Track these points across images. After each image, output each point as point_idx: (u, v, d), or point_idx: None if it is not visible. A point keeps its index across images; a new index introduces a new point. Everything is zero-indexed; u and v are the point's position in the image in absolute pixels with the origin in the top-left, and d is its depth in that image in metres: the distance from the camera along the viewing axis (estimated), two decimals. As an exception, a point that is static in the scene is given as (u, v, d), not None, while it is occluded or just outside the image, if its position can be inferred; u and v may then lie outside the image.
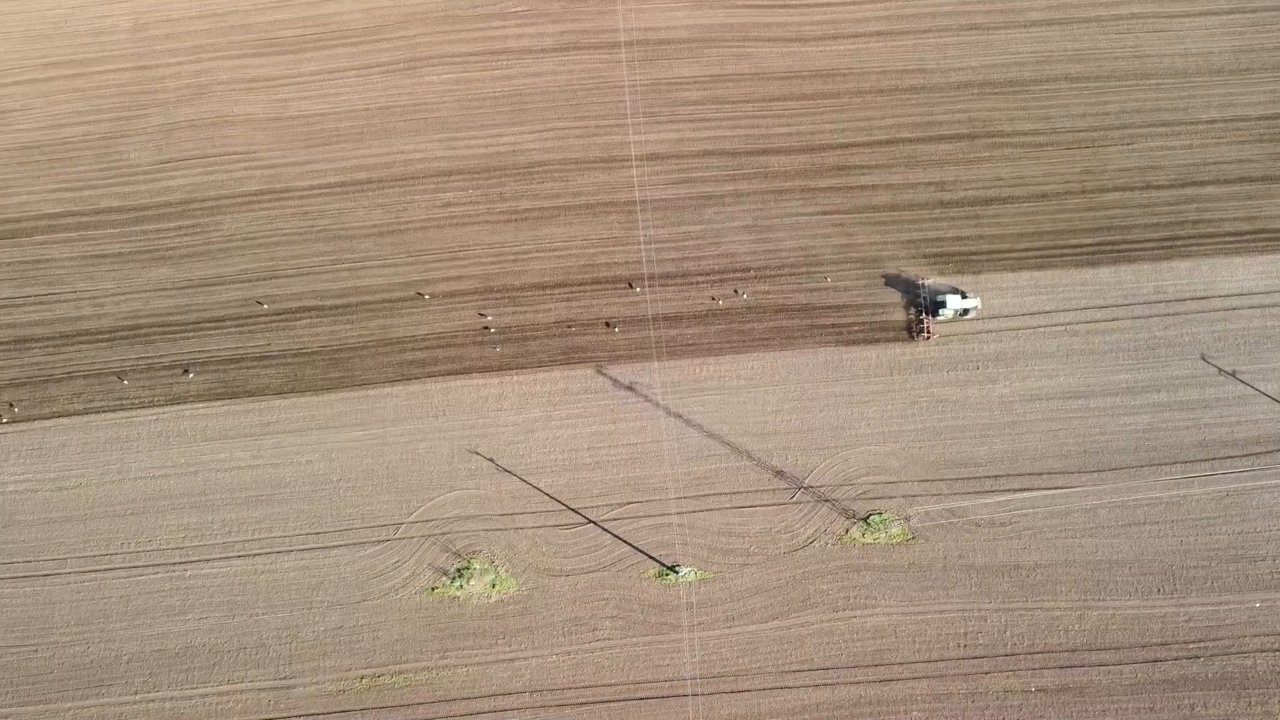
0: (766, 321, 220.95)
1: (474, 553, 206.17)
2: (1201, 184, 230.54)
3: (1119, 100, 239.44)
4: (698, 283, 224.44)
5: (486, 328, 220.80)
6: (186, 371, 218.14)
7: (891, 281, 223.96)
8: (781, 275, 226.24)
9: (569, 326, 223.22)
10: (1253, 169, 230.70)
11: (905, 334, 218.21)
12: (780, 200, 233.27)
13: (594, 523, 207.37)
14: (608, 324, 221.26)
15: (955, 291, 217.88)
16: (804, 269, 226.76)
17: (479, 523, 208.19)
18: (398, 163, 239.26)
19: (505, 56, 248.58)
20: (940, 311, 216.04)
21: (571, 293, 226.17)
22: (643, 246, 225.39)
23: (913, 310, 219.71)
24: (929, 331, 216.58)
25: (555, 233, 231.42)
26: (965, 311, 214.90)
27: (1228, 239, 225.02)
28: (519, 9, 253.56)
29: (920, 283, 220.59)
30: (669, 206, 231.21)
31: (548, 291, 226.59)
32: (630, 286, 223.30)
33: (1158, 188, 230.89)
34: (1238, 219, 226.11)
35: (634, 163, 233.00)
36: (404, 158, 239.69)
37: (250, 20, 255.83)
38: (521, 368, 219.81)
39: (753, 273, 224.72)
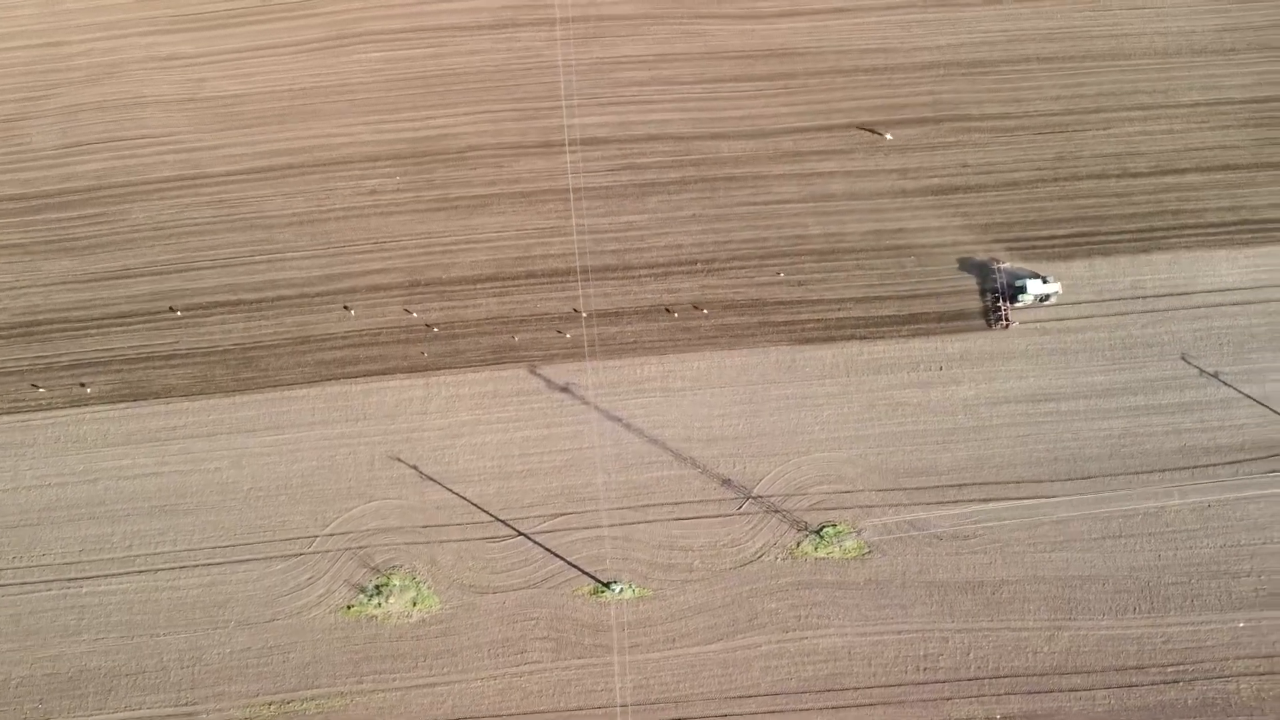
0: (714, 318, 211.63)
1: (394, 568, 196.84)
2: (1182, 172, 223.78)
3: (1095, 82, 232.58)
4: (640, 276, 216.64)
5: (429, 326, 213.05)
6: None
7: (849, 275, 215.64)
8: (731, 269, 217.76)
9: (501, 323, 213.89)
10: (1237, 156, 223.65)
11: (982, 321, 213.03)
12: (730, 188, 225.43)
13: (524, 535, 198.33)
14: (542, 320, 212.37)
15: (1035, 276, 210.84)
16: (755, 262, 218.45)
17: (400, 535, 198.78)
18: (321, 147, 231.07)
19: (438, 33, 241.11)
20: (1020, 298, 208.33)
21: (504, 287, 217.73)
22: (575, 237, 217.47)
23: (990, 296, 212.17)
24: (1007, 319, 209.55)
25: (488, 222, 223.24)
26: (1046, 297, 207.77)
27: (1210, 231, 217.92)
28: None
29: (996, 266, 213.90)
30: (610, 194, 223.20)
31: (479, 286, 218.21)
32: (568, 280, 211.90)
33: (1136, 175, 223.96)
34: (1221, 209, 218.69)
35: (567, 148, 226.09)
36: (328, 142, 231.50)
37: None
38: (449, 368, 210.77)
39: (700, 266, 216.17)
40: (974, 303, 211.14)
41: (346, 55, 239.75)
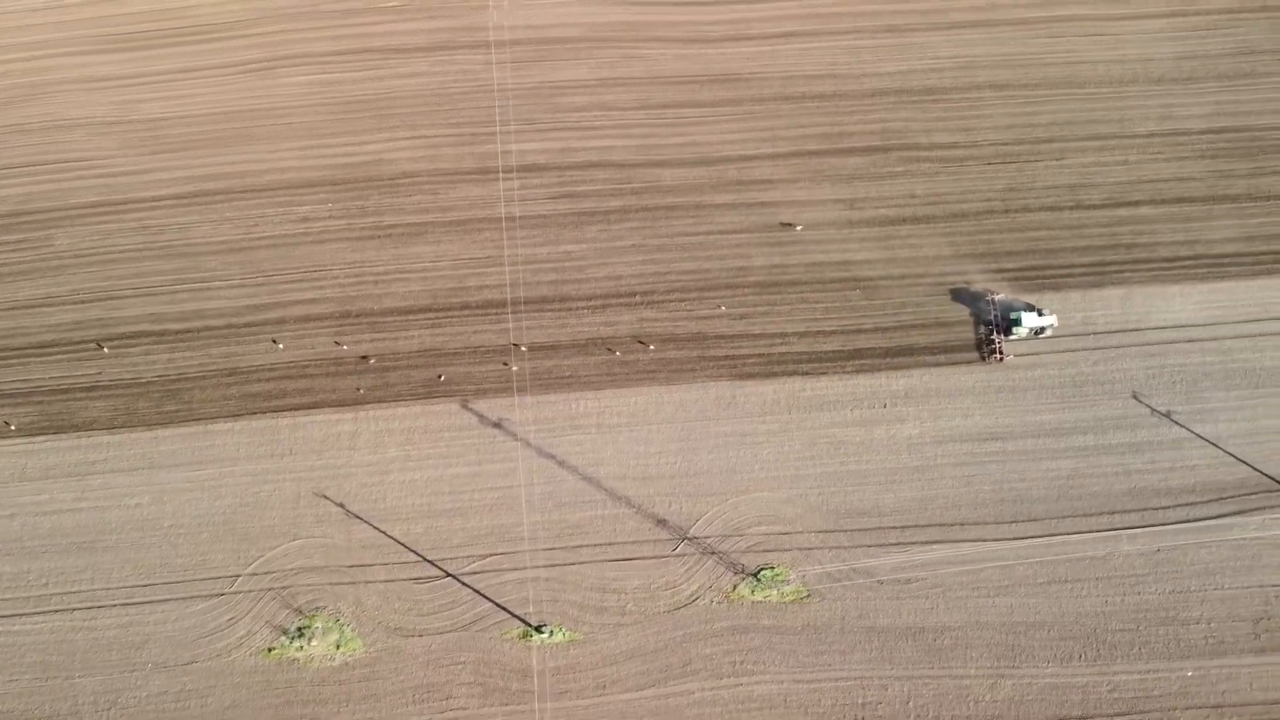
0: (653, 353, 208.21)
1: (318, 609, 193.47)
2: (1137, 204, 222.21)
3: (1048, 111, 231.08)
4: (577, 308, 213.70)
5: (360, 358, 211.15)
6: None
7: (792, 309, 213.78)
8: (671, 301, 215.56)
9: (433, 356, 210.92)
10: (1193, 188, 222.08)
11: (975, 355, 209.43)
12: (672, 218, 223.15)
13: (452, 576, 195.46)
14: (476, 353, 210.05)
15: (1031, 308, 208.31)
16: (696, 294, 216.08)
17: (324, 575, 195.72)
18: (251, 172, 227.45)
19: (373, 56, 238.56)
20: (1014, 330, 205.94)
21: (437, 318, 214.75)
22: (507, 268, 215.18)
23: (983, 329, 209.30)
24: (1001, 353, 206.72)
25: (422, 251, 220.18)
26: (1041, 330, 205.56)
27: (1165, 265, 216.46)
28: (389, 3, 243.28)
29: (991, 297, 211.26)
30: (548, 223, 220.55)
31: (411, 317, 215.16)
32: (503, 311, 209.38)
33: (1089, 207, 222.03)
34: (1176, 243, 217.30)
35: (500, 175, 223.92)
36: (258, 167, 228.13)
37: (98, 13, 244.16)
38: (379, 401, 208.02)
39: (639, 298, 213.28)
40: (922, 337, 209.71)
41: (280, 78, 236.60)
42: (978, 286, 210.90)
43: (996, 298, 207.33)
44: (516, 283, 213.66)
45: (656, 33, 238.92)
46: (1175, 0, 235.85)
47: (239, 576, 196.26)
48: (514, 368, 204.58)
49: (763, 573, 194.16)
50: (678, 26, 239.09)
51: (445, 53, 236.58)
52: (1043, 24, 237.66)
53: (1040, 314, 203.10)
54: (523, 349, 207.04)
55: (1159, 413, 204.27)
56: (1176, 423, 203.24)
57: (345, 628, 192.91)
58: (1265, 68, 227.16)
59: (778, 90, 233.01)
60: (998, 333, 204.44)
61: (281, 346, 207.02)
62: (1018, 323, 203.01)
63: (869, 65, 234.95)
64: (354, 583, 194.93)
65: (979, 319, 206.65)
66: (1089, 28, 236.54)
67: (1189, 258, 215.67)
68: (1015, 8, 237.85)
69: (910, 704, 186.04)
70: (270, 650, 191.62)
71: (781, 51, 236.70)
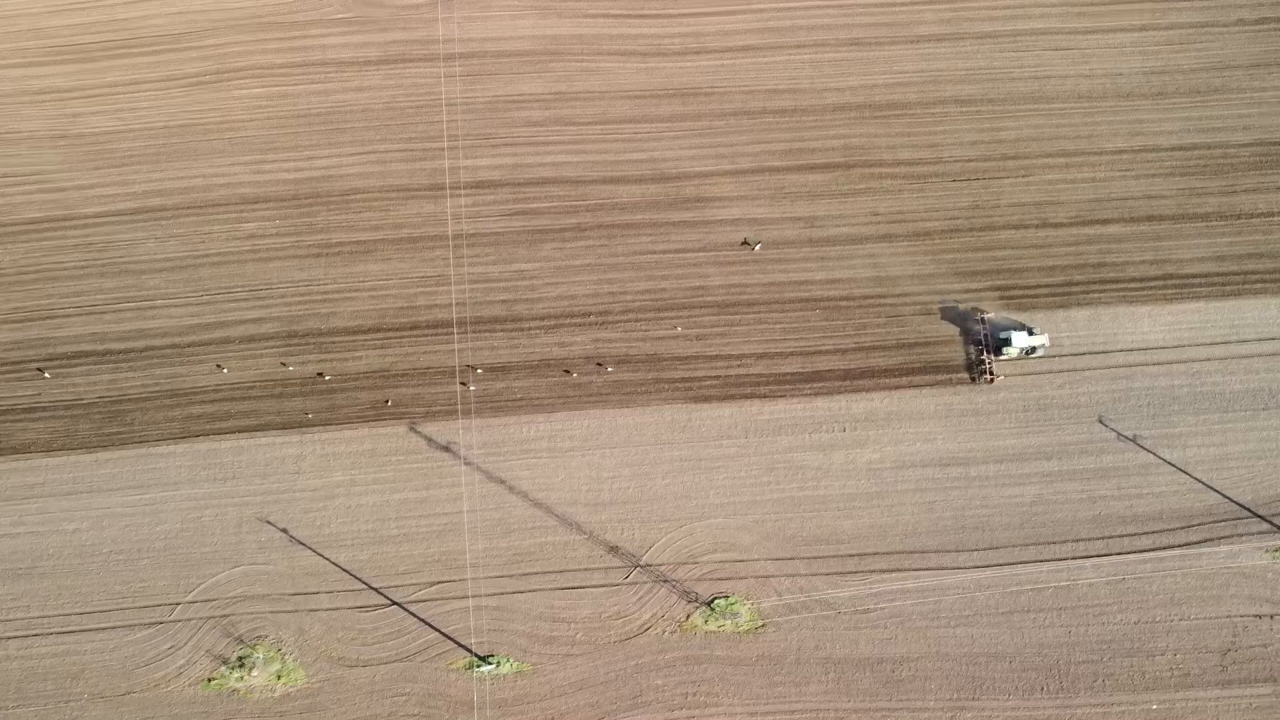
0: (606, 375, 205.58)
1: (259, 638, 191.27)
2: (1105, 222, 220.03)
3: (1014, 126, 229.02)
4: (530, 329, 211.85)
5: (307, 379, 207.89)
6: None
7: (750, 330, 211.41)
8: (626, 321, 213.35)
9: (382, 377, 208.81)
10: (1162, 206, 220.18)
11: (965, 376, 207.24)
12: (628, 236, 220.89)
13: (398, 604, 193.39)
14: (425, 375, 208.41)
15: (1021, 328, 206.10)
16: (652, 314, 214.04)
17: (267, 603, 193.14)
18: (198, 188, 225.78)
19: (324, 69, 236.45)
20: (1005, 350, 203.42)
21: (386, 338, 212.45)
22: (453, 288, 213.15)
23: (973, 348, 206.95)
24: (991, 373, 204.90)
25: (371, 270, 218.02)
26: (1033, 350, 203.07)
27: (1132, 285, 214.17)
28: (341, 15, 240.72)
29: (980, 317, 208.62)
30: (501, 241, 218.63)
31: (359, 337, 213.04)
32: (453, 332, 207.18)
33: (1055, 226, 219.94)
34: (1144, 263, 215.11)
35: (448, 192, 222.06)
36: (205, 182, 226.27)
37: (42, 24, 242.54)
38: (325, 424, 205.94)
39: (593, 318, 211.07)
40: (882, 358, 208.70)
41: (227, 91, 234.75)
42: (941, 306, 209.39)
43: (986, 316, 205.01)
44: (467, 302, 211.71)
45: (613, 46, 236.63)
46: (1146, 14, 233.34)
47: (179, 604, 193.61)
48: (472, 388, 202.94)
49: (717, 602, 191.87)
50: (635, 39, 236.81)
51: (398, 66, 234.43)
52: (1009, 38, 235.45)
53: (1031, 333, 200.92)
54: (479, 371, 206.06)
55: (1125, 437, 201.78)
56: (1143, 447, 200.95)
57: (287, 657, 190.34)
58: (1237, 83, 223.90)
59: (737, 105, 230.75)
60: (988, 353, 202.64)
61: (226, 370, 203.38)
62: (1008, 343, 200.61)
63: (831, 79, 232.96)
64: (296, 611, 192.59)
65: (957, 337, 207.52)
66: (1057, 42, 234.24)
67: (1158, 278, 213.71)
68: (981, 21, 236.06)
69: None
70: (210, 680, 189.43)
71: (741, 65, 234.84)
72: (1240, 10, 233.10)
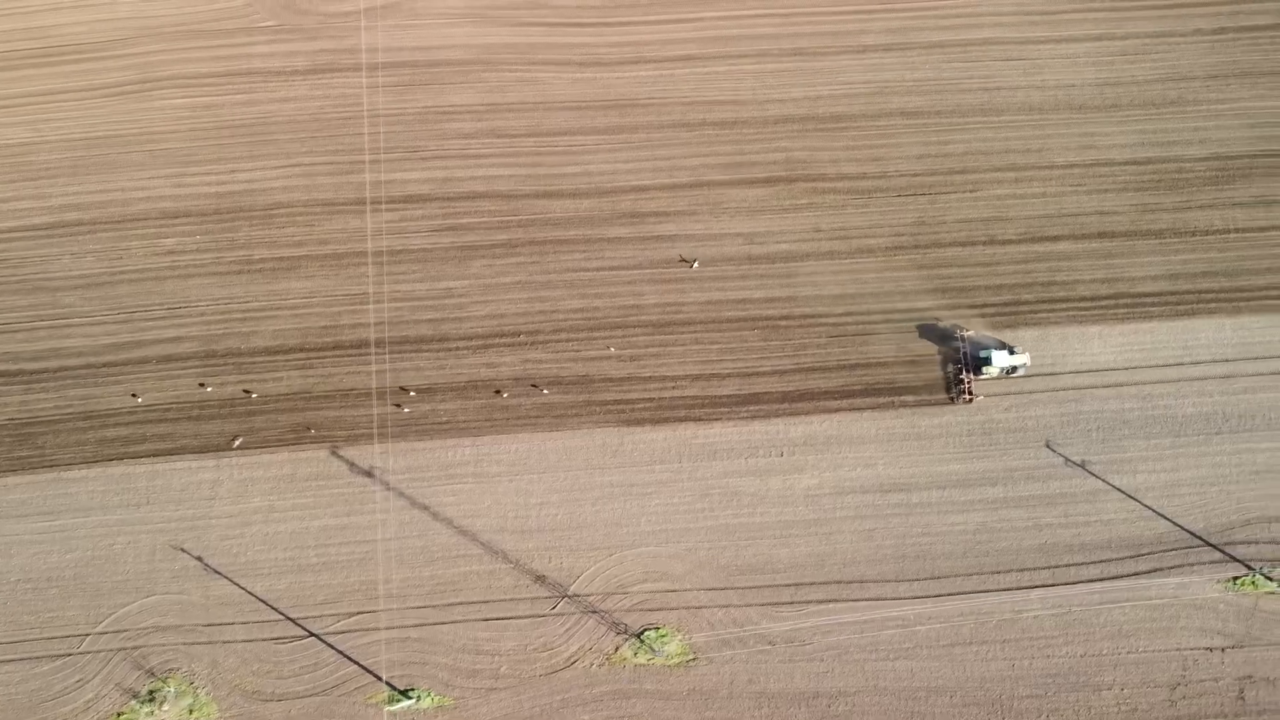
0: (537, 396, 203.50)
1: (171, 671, 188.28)
2: (1055, 239, 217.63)
3: (962, 140, 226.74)
4: (457, 349, 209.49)
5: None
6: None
7: (686, 350, 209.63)
8: (557, 341, 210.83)
9: (303, 399, 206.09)
10: (1115, 222, 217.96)
11: (944, 395, 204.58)
12: (561, 253, 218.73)
13: (316, 636, 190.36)
14: (348, 396, 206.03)
15: (1002, 346, 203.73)
16: (584, 334, 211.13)
17: (179, 634, 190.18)
18: (116, 202, 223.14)
19: (249, 78, 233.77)
20: (984, 369, 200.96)
21: (308, 359, 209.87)
22: (371, 306, 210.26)
23: (951, 367, 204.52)
24: (970, 392, 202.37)
25: (294, 287, 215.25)
26: (1014, 369, 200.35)
27: (1082, 305, 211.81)
28: (268, 23, 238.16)
29: (961, 334, 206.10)
30: (429, 258, 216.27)
31: (280, 357, 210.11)
32: (377, 352, 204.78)
33: (1003, 243, 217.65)
34: (1095, 281, 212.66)
35: (368, 206, 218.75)
36: (124, 196, 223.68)
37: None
38: (243, 448, 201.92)
39: (523, 338, 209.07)
40: (821, 381, 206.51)
41: (149, 101, 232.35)
42: (885, 326, 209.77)
43: (966, 334, 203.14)
44: (393, 321, 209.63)
45: (549, 55, 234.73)
46: (1100, 23, 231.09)
47: (88, 635, 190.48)
48: (406, 410, 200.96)
49: (647, 633, 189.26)
50: (571, 49, 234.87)
51: (325, 75, 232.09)
52: (959, 48, 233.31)
53: (1012, 352, 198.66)
54: (411, 394, 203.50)
55: (1073, 463, 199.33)
56: (1092, 473, 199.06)
57: (200, 691, 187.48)
58: (1194, 95, 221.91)
59: (676, 117, 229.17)
60: (967, 371, 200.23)
61: (140, 400, 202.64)
62: (988, 362, 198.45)
63: (774, 91, 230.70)
64: (210, 642, 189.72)
65: (900, 358, 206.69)
66: (1008, 52, 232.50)
67: (1109, 297, 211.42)
68: (930, 30, 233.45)
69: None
70: (119, 715, 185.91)
71: (681, 76, 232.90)
72: (1198, 20, 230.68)
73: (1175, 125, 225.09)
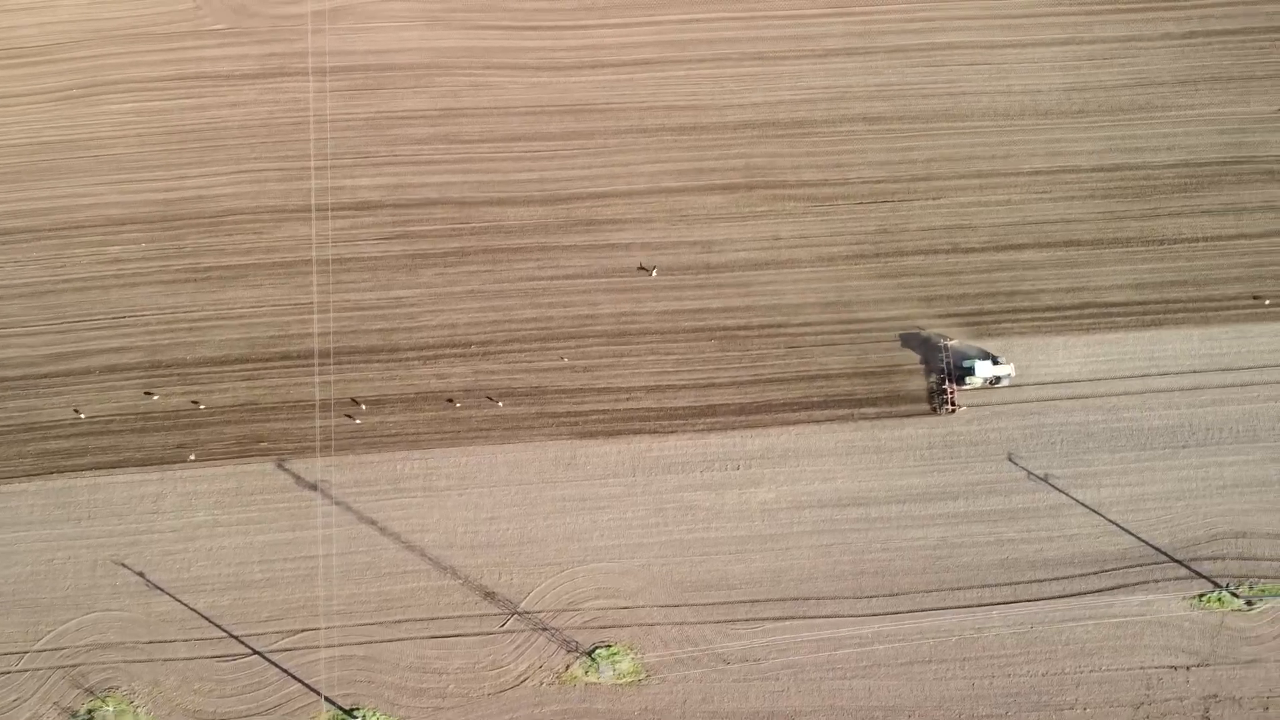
0: (488, 409, 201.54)
1: (111, 689, 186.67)
2: (1019, 248, 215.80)
3: (926, 146, 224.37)
4: (407, 359, 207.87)
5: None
6: None
7: (640, 360, 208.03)
8: (509, 352, 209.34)
9: (249, 410, 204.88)
10: (1081, 230, 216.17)
11: (926, 406, 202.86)
12: (514, 261, 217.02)
13: (259, 654, 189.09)
14: (295, 408, 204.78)
15: (986, 356, 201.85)
16: (537, 344, 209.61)
17: (120, 652, 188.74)
18: (61, 209, 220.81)
19: (199, 83, 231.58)
20: (967, 380, 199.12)
21: (255, 369, 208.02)
22: (315, 316, 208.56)
23: (934, 377, 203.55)
24: (953, 403, 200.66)
25: (242, 296, 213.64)
26: (998, 379, 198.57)
27: (1047, 315, 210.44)
28: (218, 26, 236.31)
29: (943, 344, 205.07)
30: (379, 266, 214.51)
31: (227, 368, 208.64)
32: (326, 363, 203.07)
33: (967, 251, 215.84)
34: (1060, 290, 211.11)
35: (313, 214, 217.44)
36: (69, 203, 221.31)
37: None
38: (187, 460, 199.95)
39: (475, 348, 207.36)
40: (779, 393, 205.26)
41: (95, 105, 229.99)
42: (844, 337, 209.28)
43: (950, 343, 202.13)
44: (342, 331, 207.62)
45: (503, 59, 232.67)
46: (1067, 26, 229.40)
47: (26, 653, 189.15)
48: (358, 420, 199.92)
49: (598, 651, 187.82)
50: (527, 53, 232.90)
51: (275, 80, 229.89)
52: (922, 52, 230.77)
53: (996, 362, 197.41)
54: (362, 406, 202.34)
55: (1036, 476, 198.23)
56: (1055, 487, 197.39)
57: (140, 710, 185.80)
58: (1163, 100, 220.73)
59: (633, 122, 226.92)
60: (950, 381, 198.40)
61: (84, 416, 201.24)
62: (970, 371, 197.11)
63: (733, 96, 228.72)
64: (151, 660, 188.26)
65: (859, 369, 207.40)
66: (973, 56, 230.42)
67: (1074, 307, 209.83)
68: (894, 34, 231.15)
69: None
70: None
71: (638, 80, 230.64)
72: (1166, 24, 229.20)
73: (1143, 131, 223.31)
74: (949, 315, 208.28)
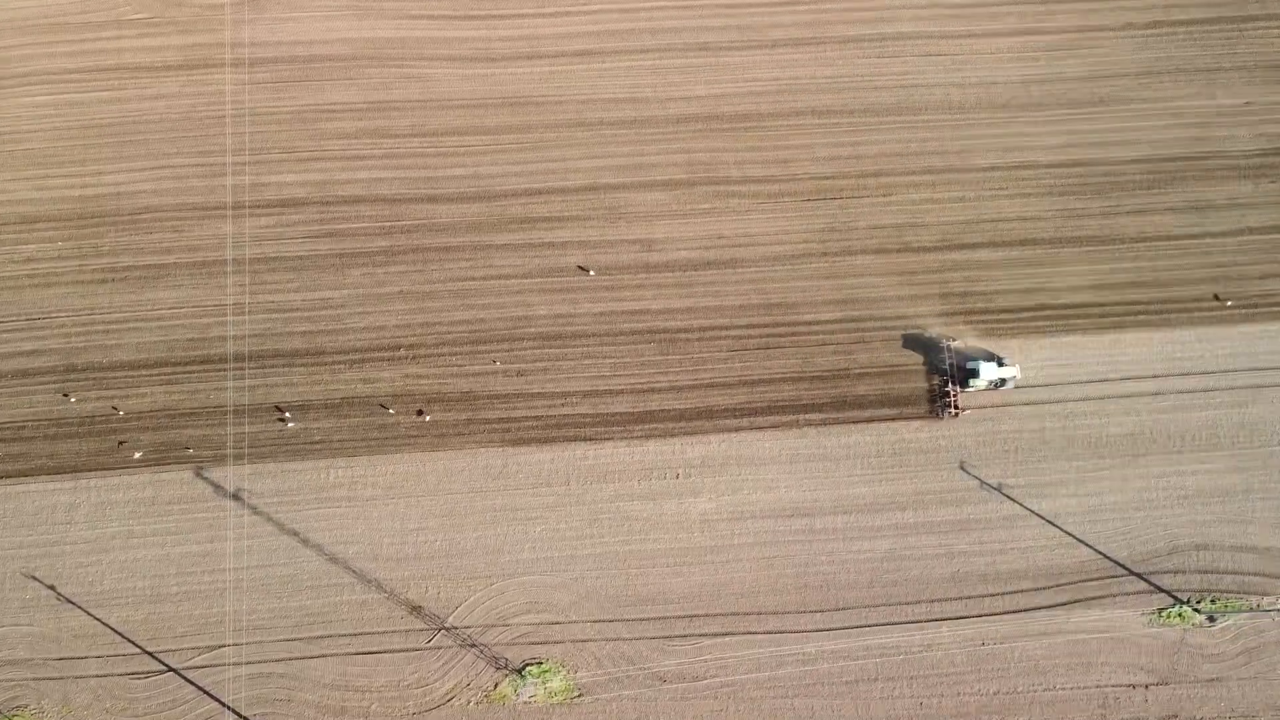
0: (420, 417, 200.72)
1: (19, 708, 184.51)
2: (973, 246, 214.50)
3: (876, 141, 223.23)
4: (333, 363, 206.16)
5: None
6: None
7: (577, 364, 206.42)
8: (439, 355, 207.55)
9: (167, 416, 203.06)
10: (1038, 229, 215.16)
11: (928, 411, 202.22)
12: (446, 260, 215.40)
13: (175, 671, 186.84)
14: (215, 414, 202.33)
15: (991, 358, 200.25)
16: (468, 347, 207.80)
17: (28, 669, 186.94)
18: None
19: (118, 74, 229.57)
20: (971, 382, 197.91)
21: (174, 373, 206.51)
22: (230, 319, 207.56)
23: (936, 379, 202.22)
24: (956, 406, 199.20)
25: (161, 297, 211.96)
26: (1002, 382, 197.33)
27: (1001, 317, 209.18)
28: (138, 15, 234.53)
29: (946, 344, 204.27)
30: (304, 266, 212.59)
31: (144, 372, 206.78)
32: (247, 366, 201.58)
33: (918, 250, 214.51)
34: (1016, 291, 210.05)
35: (230, 210, 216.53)
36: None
37: None
38: (102, 469, 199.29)
39: (404, 352, 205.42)
40: (721, 398, 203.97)
41: (10, 99, 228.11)
42: (788, 338, 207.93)
43: (953, 344, 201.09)
44: (264, 334, 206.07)
45: (436, 50, 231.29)
46: (1026, 16, 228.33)
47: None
48: (289, 424, 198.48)
49: (529, 669, 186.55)
50: (460, 44, 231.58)
51: (198, 71, 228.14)
52: (874, 43, 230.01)
53: (1001, 363, 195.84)
54: (286, 413, 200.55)
55: (989, 486, 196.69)
56: (1009, 497, 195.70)
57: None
58: (1124, 93, 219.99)
59: (572, 116, 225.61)
60: (953, 384, 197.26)
61: None
62: (975, 374, 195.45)
63: (676, 88, 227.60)
64: (62, 677, 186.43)
65: (804, 372, 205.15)
66: (926, 47, 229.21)
67: (1030, 309, 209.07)
68: (844, 24, 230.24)
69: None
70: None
71: (577, 72, 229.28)
72: (1129, 14, 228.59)
73: (1104, 125, 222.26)
74: (900, 317, 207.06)
